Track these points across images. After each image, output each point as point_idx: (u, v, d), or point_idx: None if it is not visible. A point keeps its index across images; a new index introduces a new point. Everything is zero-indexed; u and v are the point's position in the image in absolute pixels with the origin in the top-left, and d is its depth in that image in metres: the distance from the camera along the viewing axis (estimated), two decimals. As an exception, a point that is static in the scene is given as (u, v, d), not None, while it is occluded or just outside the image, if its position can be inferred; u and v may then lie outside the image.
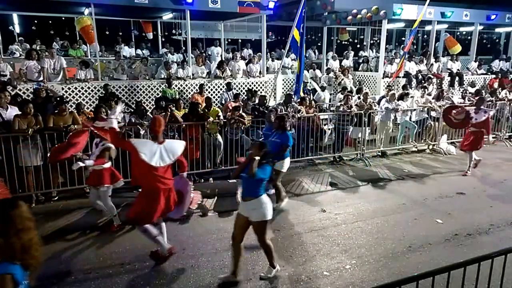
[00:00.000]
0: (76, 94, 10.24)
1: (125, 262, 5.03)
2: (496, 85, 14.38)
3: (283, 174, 6.86)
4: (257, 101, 9.60)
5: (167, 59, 13.74)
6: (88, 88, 10.37)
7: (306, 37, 10.17)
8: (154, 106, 9.01)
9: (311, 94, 12.80)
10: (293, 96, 9.91)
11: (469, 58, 17.70)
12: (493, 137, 11.57)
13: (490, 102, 11.29)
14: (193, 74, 11.87)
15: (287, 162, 6.78)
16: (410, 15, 13.91)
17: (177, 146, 4.94)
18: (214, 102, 11.01)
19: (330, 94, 13.57)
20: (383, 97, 10.62)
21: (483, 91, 12.77)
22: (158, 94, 10.89)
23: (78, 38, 15.08)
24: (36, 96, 8.33)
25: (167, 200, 4.83)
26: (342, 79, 14.02)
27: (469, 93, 12.56)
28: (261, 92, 11.82)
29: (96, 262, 5.05)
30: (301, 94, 10.70)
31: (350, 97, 9.70)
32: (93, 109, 8.07)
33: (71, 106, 8.68)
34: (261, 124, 8.60)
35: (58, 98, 7.37)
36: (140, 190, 5.03)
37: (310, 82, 13.90)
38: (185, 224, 6.19)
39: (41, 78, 9.90)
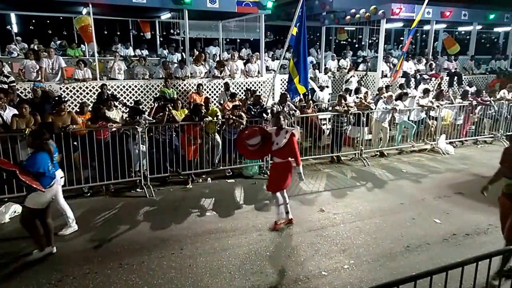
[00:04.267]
0: (74, 94, 10.23)
1: (123, 262, 5.03)
2: (497, 86, 14.37)
3: None
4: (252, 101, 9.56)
5: (168, 59, 13.74)
6: (86, 88, 10.36)
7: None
8: (152, 105, 9.01)
9: (309, 94, 12.80)
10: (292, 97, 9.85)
11: (468, 58, 17.73)
12: (491, 137, 11.64)
13: (488, 102, 11.33)
14: (191, 74, 11.87)
15: None
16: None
17: None
18: (212, 102, 11.02)
19: (330, 94, 13.60)
20: (380, 98, 10.62)
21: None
22: (156, 94, 10.89)
23: (76, 38, 15.08)
24: (33, 95, 8.33)
25: None
26: (351, 76, 14.10)
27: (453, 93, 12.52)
28: (259, 92, 11.81)
29: (95, 261, 5.04)
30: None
31: (343, 98, 9.68)
32: (90, 109, 8.06)
33: (69, 106, 8.67)
34: (255, 124, 8.56)
35: (57, 98, 7.35)
36: None
37: (309, 82, 13.91)
38: (183, 224, 6.19)
39: (39, 78, 9.90)
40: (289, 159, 5.96)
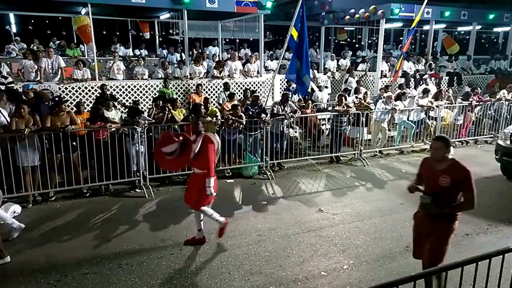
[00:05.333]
0: (73, 94, 10.22)
1: (122, 263, 5.02)
2: (497, 86, 14.36)
3: None
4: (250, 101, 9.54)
5: (167, 59, 13.73)
6: (85, 88, 10.35)
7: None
8: (151, 106, 9.00)
9: (309, 94, 12.80)
10: (290, 96, 9.86)
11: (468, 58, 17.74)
12: (490, 137, 11.63)
13: (488, 102, 11.34)
14: (190, 74, 11.86)
15: None
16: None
17: None
18: (212, 102, 11.01)
19: (329, 94, 13.60)
20: (380, 98, 10.62)
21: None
22: (155, 94, 10.89)
23: (75, 38, 15.06)
24: (25, 97, 8.28)
25: None
26: (349, 76, 14.13)
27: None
28: (258, 92, 11.81)
29: (94, 262, 5.03)
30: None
31: (344, 97, 9.68)
32: (88, 109, 8.06)
33: (68, 106, 8.66)
34: (254, 124, 8.58)
35: (57, 98, 7.34)
36: None
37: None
38: (182, 224, 6.18)
39: (38, 78, 9.89)
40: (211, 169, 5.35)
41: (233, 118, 8.34)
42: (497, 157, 8.62)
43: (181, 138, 5.16)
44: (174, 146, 5.05)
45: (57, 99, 7.31)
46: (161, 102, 8.48)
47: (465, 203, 3.78)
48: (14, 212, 6.33)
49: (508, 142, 8.38)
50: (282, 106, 8.88)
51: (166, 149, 5.07)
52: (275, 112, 8.80)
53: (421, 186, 4.05)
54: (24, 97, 8.33)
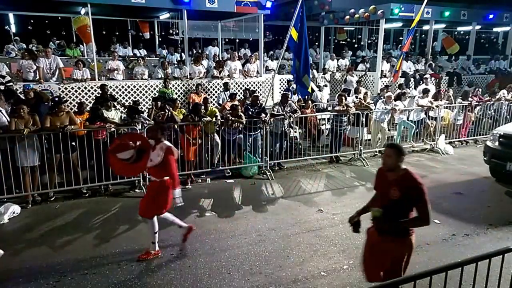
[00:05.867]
0: (73, 94, 10.21)
1: (122, 263, 5.01)
2: (496, 86, 14.36)
3: None
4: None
5: (167, 59, 13.71)
6: (85, 88, 10.34)
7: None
8: (151, 106, 9.00)
9: (309, 94, 12.79)
10: (290, 96, 9.84)
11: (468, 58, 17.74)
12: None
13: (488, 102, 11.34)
14: (190, 74, 11.85)
15: None
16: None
17: None
18: (211, 102, 11.00)
19: (328, 94, 13.59)
20: (380, 98, 10.61)
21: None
22: (155, 94, 10.88)
23: (74, 38, 15.05)
24: (26, 97, 8.27)
25: None
26: (347, 75, 14.14)
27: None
28: (258, 92, 11.80)
29: (93, 262, 5.02)
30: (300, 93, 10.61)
31: (344, 97, 9.67)
32: (88, 110, 8.04)
33: (67, 106, 8.65)
34: (253, 124, 8.57)
35: (57, 98, 7.33)
36: None
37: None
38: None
39: (37, 78, 9.88)
40: (166, 178, 5.02)
41: (232, 118, 8.33)
42: (485, 158, 8.37)
43: (138, 143, 4.91)
44: (131, 153, 4.83)
45: (56, 99, 7.30)
46: (159, 103, 8.48)
47: (417, 219, 3.43)
48: (14, 213, 6.33)
49: (497, 143, 8.10)
50: (282, 107, 8.88)
51: (122, 155, 4.83)
52: (275, 112, 8.79)
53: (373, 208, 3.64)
54: (24, 97, 8.33)
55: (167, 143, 5.10)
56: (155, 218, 5.14)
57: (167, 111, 7.85)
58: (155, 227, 5.15)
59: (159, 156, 4.91)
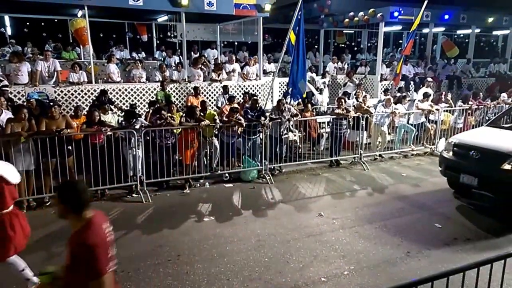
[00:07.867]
0: (69, 97, 10.12)
1: (118, 270, 4.90)
2: (497, 89, 14.30)
3: None
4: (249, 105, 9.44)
5: (166, 62, 13.65)
6: (82, 91, 10.26)
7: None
8: (148, 109, 8.92)
9: (308, 97, 12.73)
10: (286, 101, 9.71)
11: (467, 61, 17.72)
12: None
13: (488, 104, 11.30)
14: (188, 77, 11.78)
15: None
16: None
17: None
18: (210, 105, 10.92)
19: (329, 97, 13.54)
20: (380, 101, 10.56)
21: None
22: (153, 97, 10.80)
23: (71, 41, 14.98)
24: (29, 108, 8.14)
25: None
26: (348, 81, 14.08)
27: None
28: (257, 95, 11.74)
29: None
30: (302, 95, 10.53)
31: (343, 100, 9.61)
32: (85, 113, 7.95)
33: (63, 109, 8.58)
34: (253, 128, 8.49)
35: (52, 103, 7.24)
36: None
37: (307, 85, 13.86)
38: (180, 229, 6.08)
39: (27, 81, 9.80)
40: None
41: (233, 119, 8.25)
42: (440, 169, 7.69)
43: None
44: None
45: (51, 103, 7.21)
46: (151, 109, 8.42)
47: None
48: None
49: (451, 153, 7.40)
50: (278, 111, 8.80)
51: None
52: (274, 116, 8.72)
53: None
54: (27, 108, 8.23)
55: None
56: (11, 258, 4.34)
57: (163, 116, 7.75)
58: (18, 265, 4.41)
59: None
